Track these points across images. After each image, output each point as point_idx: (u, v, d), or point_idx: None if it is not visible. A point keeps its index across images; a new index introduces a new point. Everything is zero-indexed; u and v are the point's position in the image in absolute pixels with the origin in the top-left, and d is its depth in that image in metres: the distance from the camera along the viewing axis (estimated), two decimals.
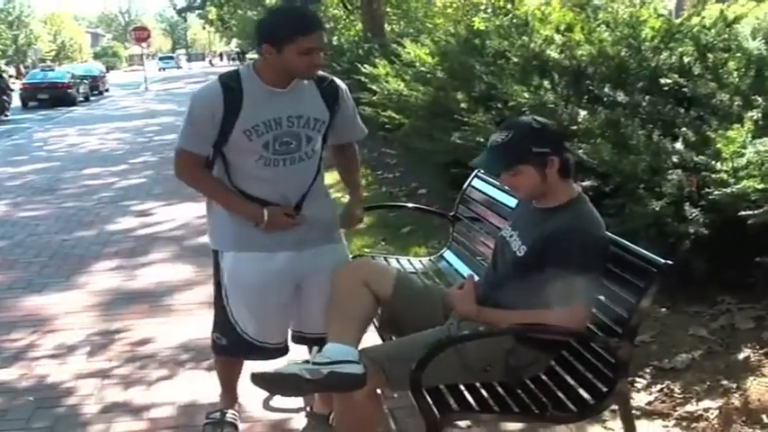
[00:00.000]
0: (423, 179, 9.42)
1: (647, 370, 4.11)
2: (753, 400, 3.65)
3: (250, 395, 3.78)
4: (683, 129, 4.79)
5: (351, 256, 4.45)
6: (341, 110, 3.37)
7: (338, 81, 3.41)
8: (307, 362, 3.00)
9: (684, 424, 3.63)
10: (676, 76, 5.32)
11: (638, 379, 4.02)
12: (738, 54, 5.34)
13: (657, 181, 4.57)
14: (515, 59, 6.97)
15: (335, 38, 25.05)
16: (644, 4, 6.84)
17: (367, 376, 2.88)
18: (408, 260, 4.76)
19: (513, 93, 6.10)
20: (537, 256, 2.94)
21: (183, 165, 3.34)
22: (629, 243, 3.11)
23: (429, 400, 2.89)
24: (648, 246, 3.13)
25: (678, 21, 6.59)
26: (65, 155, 15.12)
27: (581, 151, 4.91)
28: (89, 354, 4.80)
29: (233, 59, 73.92)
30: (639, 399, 3.86)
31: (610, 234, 3.11)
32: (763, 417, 3.50)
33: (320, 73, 3.34)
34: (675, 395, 3.85)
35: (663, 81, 5.32)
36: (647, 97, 5.28)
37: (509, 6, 13.24)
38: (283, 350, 3.52)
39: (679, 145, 4.69)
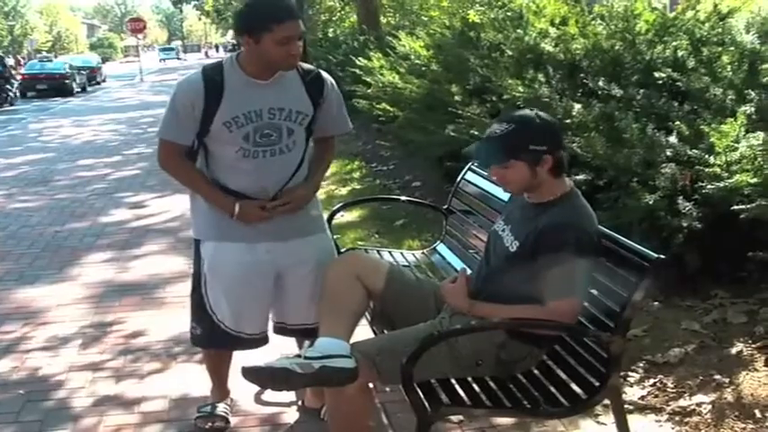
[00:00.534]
0: (417, 172, 9.42)
1: (640, 364, 4.10)
2: (746, 394, 3.65)
3: (242, 389, 3.77)
4: (677, 122, 4.79)
5: (344, 249, 4.47)
6: (326, 103, 3.36)
7: (324, 74, 3.40)
8: (298, 356, 3.00)
9: (677, 418, 3.62)
10: (670, 69, 5.33)
11: (630, 373, 4.01)
12: (732, 48, 5.34)
13: (651, 175, 4.57)
14: (510, 52, 6.96)
15: (331, 30, 25.03)
16: None
17: (358, 370, 2.88)
18: (401, 253, 4.75)
19: (508, 86, 6.09)
20: (529, 250, 2.93)
21: (165, 154, 3.35)
22: (621, 237, 3.11)
23: (420, 394, 2.88)
24: (642, 239, 3.13)
25: (672, 14, 6.59)
26: (59, 146, 15.09)
27: (575, 145, 4.91)
28: (81, 346, 4.78)
29: (229, 51, 73.81)
30: (632, 393, 3.86)
31: (602, 228, 3.10)
32: (756, 411, 3.50)
33: (306, 66, 3.34)
34: (668, 389, 3.85)
35: (657, 75, 5.33)
36: (642, 91, 5.28)
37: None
38: (260, 341, 3.52)
39: (673, 139, 4.69)
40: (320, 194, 3.68)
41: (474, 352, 3.02)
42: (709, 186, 4.26)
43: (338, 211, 4.84)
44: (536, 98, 5.69)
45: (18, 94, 29.21)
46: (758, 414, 3.48)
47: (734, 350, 4.06)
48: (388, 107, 9.53)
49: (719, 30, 5.67)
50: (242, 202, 3.26)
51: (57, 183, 10.85)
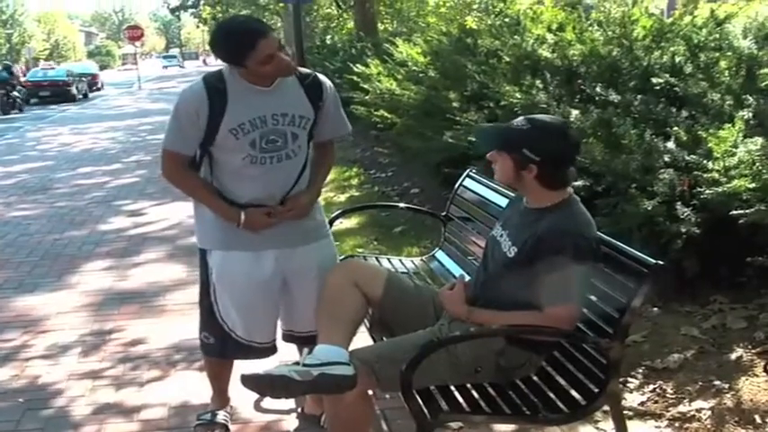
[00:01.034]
0: (415, 178, 9.42)
1: (639, 370, 4.10)
2: (745, 400, 3.64)
3: (241, 396, 3.76)
4: (675, 128, 4.79)
5: (343, 257, 4.47)
6: (325, 106, 3.36)
7: (321, 77, 3.41)
8: (297, 363, 3.00)
9: (677, 424, 3.62)
10: (668, 75, 5.33)
11: (630, 379, 4.01)
12: (729, 53, 5.35)
13: (649, 180, 4.57)
14: (507, 59, 6.97)
15: (329, 37, 25.05)
16: (635, 3, 6.84)
17: (357, 378, 2.88)
18: (400, 260, 4.75)
19: (505, 92, 6.11)
20: (527, 256, 2.93)
21: (170, 165, 3.35)
22: (620, 243, 3.11)
23: (419, 401, 2.88)
24: (640, 245, 3.14)
25: (669, 20, 6.60)
26: (57, 154, 15.08)
27: None
28: (81, 354, 4.78)
29: None
30: (631, 399, 3.86)
31: (601, 234, 3.11)
32: (756, 417, 3.49)
33: (303, 70, 3.35)
34: (668, 395, 3.85)
35: (654, 80, 5.32)
36: (639, 96, 5.28)
37: (501, 6, 13.25)
38: (271, 350, 3.52)
39: (671, 144, 4.69)
40: (319, 201, 3.68)
41: (473, 359, 3.02)
42: (707, 192, 4.25)
43: (337, 218, 4.84)
44: (533, 104, 5.69)
45: (23, 101, 29.61)
46: (758, 420, 3.47)
47: (733, 356, 4.06)
48: (386, 114, 9.53)
49: (717, 35, 5.68)
50: (247, 210, 3.26)
51: (55, 191, 10.84)
